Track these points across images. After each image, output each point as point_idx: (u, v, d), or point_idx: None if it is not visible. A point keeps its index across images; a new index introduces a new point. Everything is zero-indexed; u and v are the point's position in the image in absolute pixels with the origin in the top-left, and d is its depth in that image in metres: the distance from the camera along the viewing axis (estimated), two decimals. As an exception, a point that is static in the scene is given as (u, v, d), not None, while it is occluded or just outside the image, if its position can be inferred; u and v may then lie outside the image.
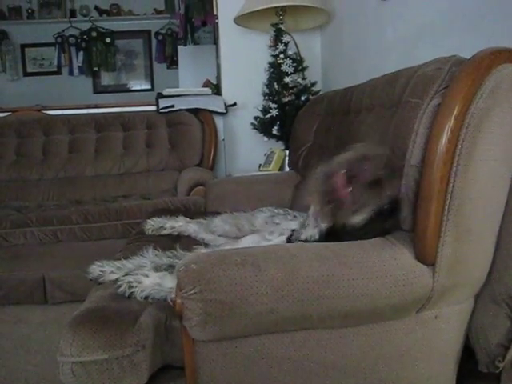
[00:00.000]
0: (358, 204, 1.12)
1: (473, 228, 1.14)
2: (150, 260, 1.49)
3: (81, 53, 6.59)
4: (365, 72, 2.28)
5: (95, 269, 1.49)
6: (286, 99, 3.06)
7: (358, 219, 1.15)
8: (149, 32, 6.76)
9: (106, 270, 1.47)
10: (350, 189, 1.11)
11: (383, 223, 1.20)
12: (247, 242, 1.57)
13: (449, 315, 1.26)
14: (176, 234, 2.00)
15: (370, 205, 1.13)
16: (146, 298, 1.29)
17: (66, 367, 1.10)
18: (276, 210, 1.84)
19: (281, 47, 3.05)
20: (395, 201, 1.17)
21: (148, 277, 1.32)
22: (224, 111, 3.57)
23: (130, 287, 1.30)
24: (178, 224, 2.00)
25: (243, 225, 1.82)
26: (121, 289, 1.30)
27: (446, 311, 1.25)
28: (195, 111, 3.56)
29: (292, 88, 3.07)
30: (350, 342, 1.22)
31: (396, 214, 1.21)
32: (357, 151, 1.16)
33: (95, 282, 1.48)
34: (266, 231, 1.60)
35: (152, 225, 2.01)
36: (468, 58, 1.15)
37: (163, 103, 3.57)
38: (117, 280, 1.35)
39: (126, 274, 1.35)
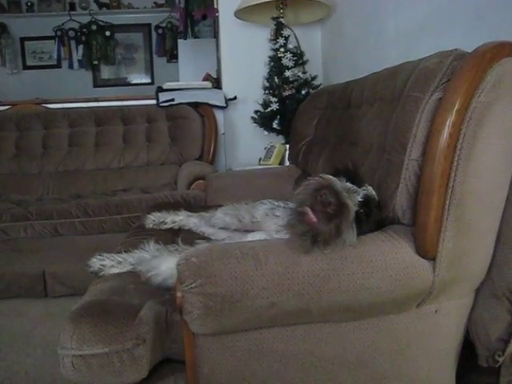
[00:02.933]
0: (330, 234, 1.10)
1: (473, 222, 1.14)
2: (152, 254, 1.48)
3: (80, 46, 6.58)
4: (366, 66, 2.26)
5: (96, 262, 1.49)
6: (287, 93, 3.06)
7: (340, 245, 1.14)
8: (149, 25, 6.74)
9: (106, 263, 1.47)
10: (319, 220, 1.10)
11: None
12: (254, 238, 1.57)
13: (449, 309, 1.26)
14: (177, 228, 2.00)
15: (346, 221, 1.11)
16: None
17: (67, 360, 1.10)
18: (277, 203, 1.83)
19: (281, 41, 3.04)
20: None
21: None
22: (224, 105, 3.57)
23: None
24: (179, 218, 2.00)
25: (244, 216, 1.81)
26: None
27: (447, 305, 1.25)
28: (195, 105, 3.55)
29: (292, 82, 3.06)
30: (351, 336, 1.22)
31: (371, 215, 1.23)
32: (308, 185, 1.16)
33: (95, 275, 1.48)
34: (273, 230, 1.60)
35: (153, 220, 2.01)
36: (470, 51, 1.15)
37: (163, 97, 3.56)
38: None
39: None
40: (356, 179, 1.26)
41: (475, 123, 1.07)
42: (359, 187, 1.23)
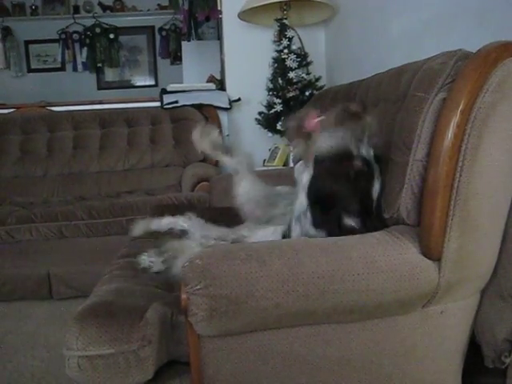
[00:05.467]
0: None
1: (479, 223, 1.14)
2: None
3: (84, 49, 6.60)
4: (370, 66, 2.26)
5: (145, 259, 1.50)
6: (291, 94, 3.06)
7: (325, 146, 1.21)
8: (152, 28, 6.76)
9: (154, 260, 1.48)
10: (318, 119, 1.18)
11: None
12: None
13: (454, 310, 1.25)
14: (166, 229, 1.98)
15: (336, 135, 1.19)
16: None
17: (72, 361, 1.10)
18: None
19: (285, 42, 3.04)
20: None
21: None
22: (228, 106, 3.57)
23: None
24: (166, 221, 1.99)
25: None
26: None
27: (452, 306, 1.25)
28: (199, 107, 3.56)
29: (296, 83, 3.06)
30: (356, 338, 1.22)
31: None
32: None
33: (146, 272, 1.49)
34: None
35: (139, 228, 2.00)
36: (474, 51, 1.14)
37: (167, 99, 3.57)
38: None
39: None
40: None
41: (480, 123, 1.07)
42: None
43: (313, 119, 1.16)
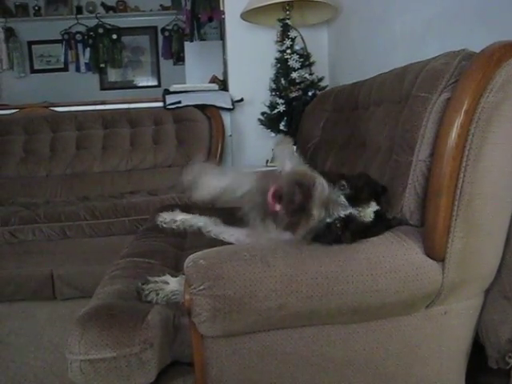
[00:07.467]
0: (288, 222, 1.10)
1: (483, 223, 1.14)
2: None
3: (87, 49, 6.61)
4: (373, 67, 2.25)
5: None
6: (293, 95, 3.05)
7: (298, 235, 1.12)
8: (155, 28, 6.75)
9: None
10: (279, 206, 1.11)
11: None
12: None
13: (458, 311, 1.25)
14: (187, 227, 1.98)
15: (302, 227, 1.09)
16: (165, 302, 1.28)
17: (75, 365, 1.10)
18: None
19: (288, 42, 3.03)
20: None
21: (168, 283, 1.30)
22: (231, 107, 3.56)
23: (157, 294, 1.28)
24: (189, 217, 2.00)
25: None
26: (149, 297, 1.26)
27: (456, 307, 1.24)
28: (202, 107, 3.55)
29: (299, 83, 3.06)
30: (359, 338, 1.22)
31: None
32: (292, 175, 1.14)
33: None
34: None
35: (164, 217, 2.01)
36: (477, 51, 1.14)
37: (170, 99, 3.56)
38: (142, 289, 1.31)
39: (144, 283, 1.31)
40: (363, 196, 1.16)
41: (484, 123, 1.07)
42: (360, 204, 1.14)
43: (274, 203, 1.11)
